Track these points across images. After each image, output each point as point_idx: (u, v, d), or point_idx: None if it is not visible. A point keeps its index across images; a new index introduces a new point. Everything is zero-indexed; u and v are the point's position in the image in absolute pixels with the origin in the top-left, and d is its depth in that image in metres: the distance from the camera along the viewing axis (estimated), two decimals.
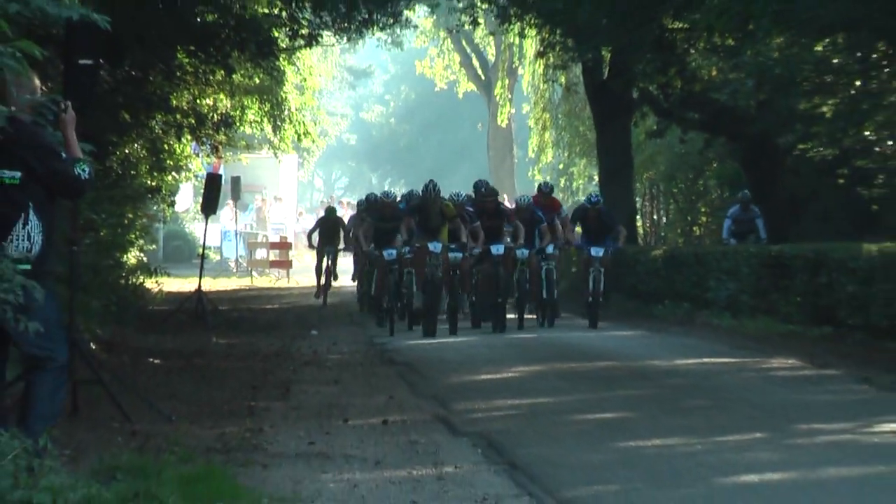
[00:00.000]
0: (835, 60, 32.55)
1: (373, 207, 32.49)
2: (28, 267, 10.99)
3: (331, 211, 43.01)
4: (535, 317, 32.05)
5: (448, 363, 24.52)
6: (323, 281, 40.92)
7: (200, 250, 33.98)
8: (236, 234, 52.44)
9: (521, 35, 45.72)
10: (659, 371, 22.49)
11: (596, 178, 47.60)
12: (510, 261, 29.75)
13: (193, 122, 33.77)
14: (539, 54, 45.65)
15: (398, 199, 32.47)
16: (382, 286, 30.12)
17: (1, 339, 11.47)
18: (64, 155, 11.67)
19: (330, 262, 40.59)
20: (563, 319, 32.32)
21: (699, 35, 34.51)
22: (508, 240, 30.07)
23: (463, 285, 29.93)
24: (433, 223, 28.26)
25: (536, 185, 36.64)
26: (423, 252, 27.54)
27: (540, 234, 30.65)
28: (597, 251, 28.57)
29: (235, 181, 41.83)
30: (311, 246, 43.34)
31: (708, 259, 31.54)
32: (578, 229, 33.20)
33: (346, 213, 50.91)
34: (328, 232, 39.37)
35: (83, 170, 11.90)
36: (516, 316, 30.79)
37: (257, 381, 21.46)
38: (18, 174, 10.95)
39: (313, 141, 47.50)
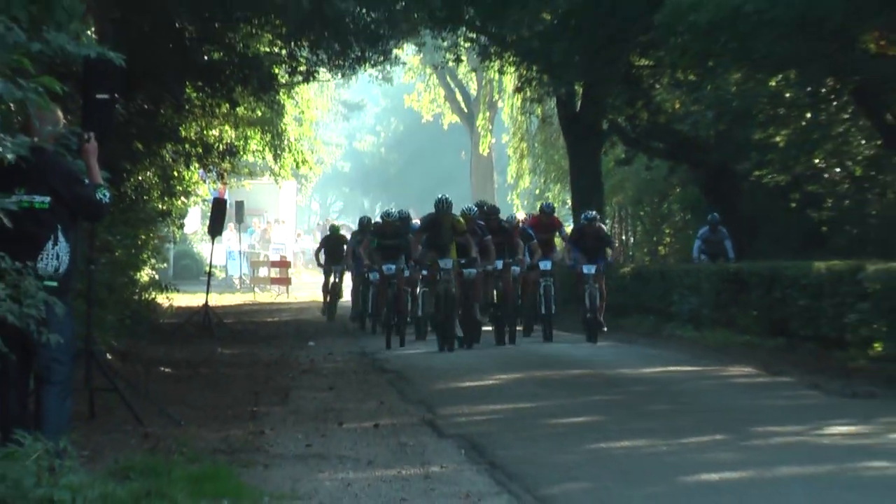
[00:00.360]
0: (787, 94, 34.02)
1: (376, 226, 32.22)
2: (55, 284, 11.81)
3: (334, 229, 43.89)
4: (521, 330, 31.71)
5: (435, 371, 25.28)
6: (328, 298, 42.18)
7: (207, 268, 34.94)
8: (240, 254, 55.52)
9: (501, 71, 46.83)
10: (627, 378, 23.44)
11: (569, 202, 47.51)
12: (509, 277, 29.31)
13: (201, 151, 35.14)
14: (517, 89, 46.39)
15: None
16: (382, 300, 29.71)
17: (24, 351, 12.01)
18: (86, 181, 12.52)
19: (336, 279, 41.28)
20: (559, 334, 31.69)
21: (663, 71, 36.24)
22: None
23: (475, 299, 28.87)
24: (443, 239, 27.25)
25: (539, 205, 36.40)
26: (435, 269, 26.78)
27: (530, 250, 30.13)
28: (588, 269, 27.97)
29: (239, 205, 43.02)
30: (319, 265, 44.20)
31: (672, 276, 32.59)
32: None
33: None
34: (333, 250, 40.15)
35: (104, 195, 12.72)
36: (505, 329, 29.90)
37: (259, 388, 22.35)
38: (48, 199, 11.64)
39: (310, 168, 49.02)
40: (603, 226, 31.21)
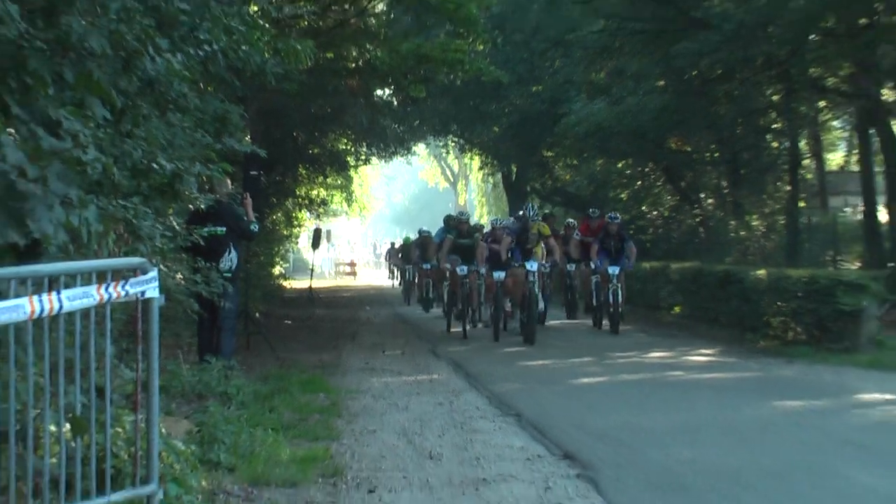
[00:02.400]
0: (627, 171, 40.00)
1: (451, 226, 28.69)
2: (229, 275, 15.12)
3: (406, 239, 47.76)
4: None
5: (436, 325, 28.70)
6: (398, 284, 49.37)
7: (311, 266, 39.82)
8: (329, 259, 69.93)
9: (471, 157, 58.11)
10: (546, 329, 26.10)
11: None
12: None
13: (307, 202, 46.33)
14: (480, 168, 57.98)
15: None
16: (456, 296, 26.35)
17: (212, 311, 15.25)
18: (246, 219, 16.10)
19: (410, 276, 42.74)
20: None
21: (560, 159, 43.70)
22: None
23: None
24: (530, 244, 24.30)
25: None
26: (517, 276, 23.35)
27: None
28: (613, 269, 24.92)
29: (328, 232, 51.23)
30: (394, 264, 54.90)
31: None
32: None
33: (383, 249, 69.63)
34: (406, 254, 43.02)
35: (255, 227, 16.46)
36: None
37: (338, 332, 26.68)
38: (224, 229, 15.15)
39: (366, 211, 67.87)
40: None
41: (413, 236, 40.25)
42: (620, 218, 27.63)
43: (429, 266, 33.63)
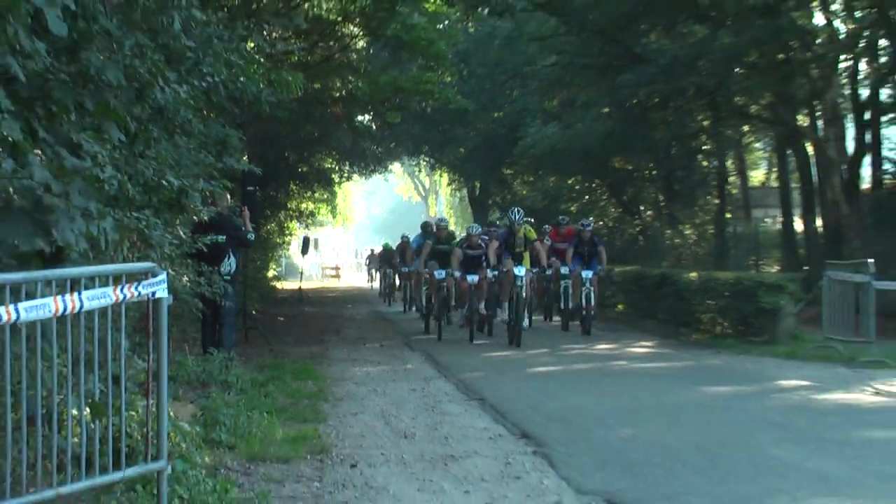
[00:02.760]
0: (576, 186, 39.77)
1: (429, 232, 26.75)
2: (228, 278, 15.20)
3: (386, 245, 45.28)
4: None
5: (411, 321, 28.34)
6: (378, 287, 47.28)
7: (300, 270, 40.21)
8: (316, 263, 69.15)
9: (440, 175, 59.03)
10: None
11: None
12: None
13: (297, 214, 47.43)
14: (448, 183, 57.61)
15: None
16: (434, 299, 23.67)
17: (214, 310, 15.14)
18: (244, 229, 15.99)
19: (390, 278, 41.23)
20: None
21: (518, 176, 43.66)
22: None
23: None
24: (518, 247, 22.09)
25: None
26: (510, 275, 21.13)
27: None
28: (587, 273, 22.88)
29: (316, 240, 50.73)
30: (375, 269, 52.29)
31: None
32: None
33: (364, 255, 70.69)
34: (386, 259, 41.70)
35: (251, 236, 16.31)
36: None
37: (325, 328, 26.35)
38: (224, 237, 14.90)
39: (349, 222, 73.37)
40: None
41: (394, 243, 39.53)
42: (592, 225, 25.75)
43: (407, 270, 31.75)
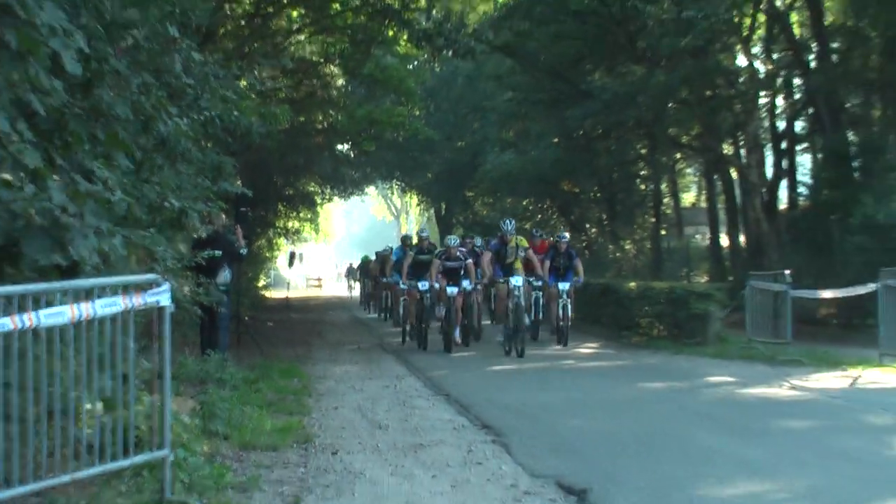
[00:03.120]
0: (530, 207, 39.44)
1: (409, 245, 24.32)
2: (224, 288, 15.07)
3: (365, 258, 42.98)
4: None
5: (385, 326, 28.25)
6: (357, 295, 46.48)
7: (287, 281, 42.75)
8: (301, 275, 66.13)
9: (410, 197, 58.73)
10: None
11: None
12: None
13: (284, 231, 47.54)
14: (418, 204, 58.09)
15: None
16: (412, 310, 21.56)
17: (211, 316, 14.85)
18: (237, 245, 16.03)
19: (368, 288, 39.04)
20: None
21: (479, 197, 43.21)
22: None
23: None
24: (510, 258, 19.76)
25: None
26: (502, 291, 19.17)
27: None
28: (563, 285, 20.50)
29: (301, 255, 49.19)
30: (354, 279, 52.17)
31: None
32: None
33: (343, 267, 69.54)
34: (365, 270, 41.03)
35: (244, 251, 16.41)
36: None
37: (309, 331, 26.26)
38: (220, 252, 14.57)
39: (329, 238, 74.44)
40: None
41: (372, 256, 38.02)
42: (568, 237, 22.69)
43: (385, 280, 29.33)
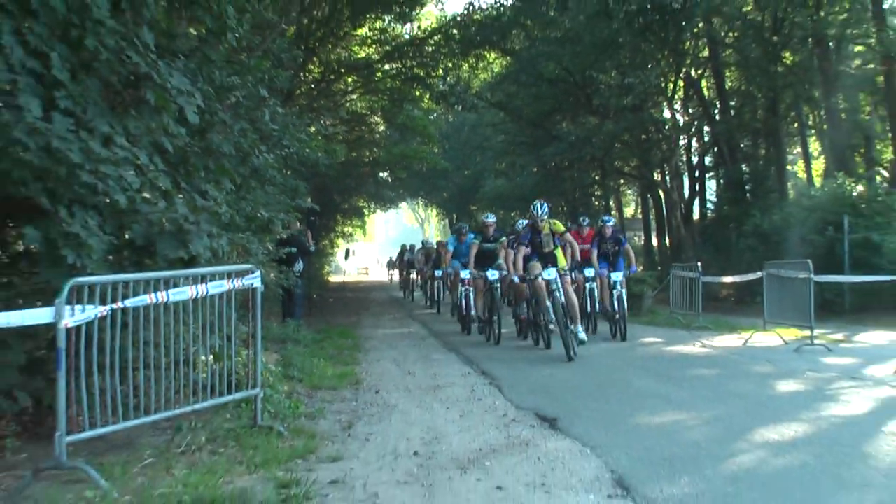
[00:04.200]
0: (517, 218, 39.32)
1: (468, 231, 17.21)
2: (298, 274, 14.71)
3: (403, 247, 35.50)
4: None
5: (416, 304, 26.64)
6: (397, 280, 38.34)
7: (343, 270, 43.13)
8: (353, 265, 63.47)
9: (430, 209, 59.24)
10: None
11: None
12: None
13: (341, 234, 46.65)
14: (436, 214, 58.54)
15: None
16: (481, 301, 15.04)
17: (290, 295, 15.01)
18: (308, 244, 15.89)
19: (413, 275, 30.67)
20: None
21: (481, 211, 41.90)
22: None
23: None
24: (546, 247, 12.65)
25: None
26: (539, 285, 12.04)
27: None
28: (616, 275, 14.70)
29: (353, 251, 47.95)
30: (394, 266, 42.51)
31: None
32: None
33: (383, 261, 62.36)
34: (401, 259, 34.91)
35: (313, 248, 16.15)
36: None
37: (359, 306, 25.70)
38: (295, 249, 14.20)
39: (373, 238, 70.65)
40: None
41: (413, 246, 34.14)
42: (614, 221, 16.05)
43: (441, 272, 21.17)
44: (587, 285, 14.89)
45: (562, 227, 12.76)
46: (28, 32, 5.29)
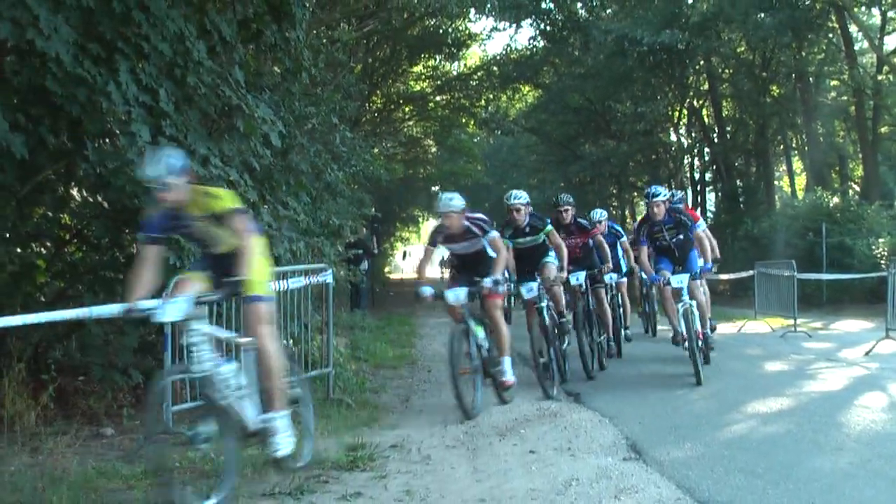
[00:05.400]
0: None
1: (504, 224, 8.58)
2: (364, 272, 14.65)
3: None
4: None
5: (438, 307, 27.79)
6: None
7: (402, 268, 40.55)
8: (410, 265, 62.18)
9: None
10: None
11: None
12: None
13: (399, 238, 44.08)
14: None
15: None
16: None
17: (357, 289, 14.60)
18: (372, 247, 15.66)
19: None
20: None
21: None
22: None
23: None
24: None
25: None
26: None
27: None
28: (678, 281, 7.32)
29: (410, 252, 46.35)
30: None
31: None
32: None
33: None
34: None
35: (376, 250, 16.37)
36: None
37: (409, 302, 25.00)
38: (362, 251, 14.33)
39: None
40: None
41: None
42: (669, 193, 8.33)
43: None
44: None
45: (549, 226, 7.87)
46: (141, 72, 5.42)
